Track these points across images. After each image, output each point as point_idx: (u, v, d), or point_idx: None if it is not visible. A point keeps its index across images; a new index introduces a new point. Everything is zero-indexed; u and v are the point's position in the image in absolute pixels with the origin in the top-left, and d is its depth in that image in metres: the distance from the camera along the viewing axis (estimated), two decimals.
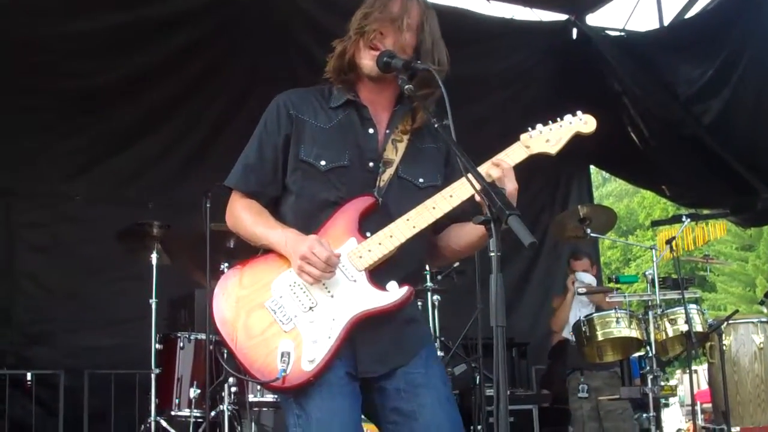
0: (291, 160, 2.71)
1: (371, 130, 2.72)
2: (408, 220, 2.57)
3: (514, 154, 2.65)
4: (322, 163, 2.65)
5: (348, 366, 2.57)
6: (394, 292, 2.55)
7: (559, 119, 2.74)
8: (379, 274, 2.57)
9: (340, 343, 2.51)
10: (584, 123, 2.74)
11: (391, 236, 2.57)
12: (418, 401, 2.61)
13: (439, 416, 2.62)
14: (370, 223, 2.61)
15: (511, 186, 2.52)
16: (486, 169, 2.55)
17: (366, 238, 2.60)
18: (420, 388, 2.63)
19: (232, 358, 2.59)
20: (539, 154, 2.68)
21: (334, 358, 2.51)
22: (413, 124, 2.75)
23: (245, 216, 2.72)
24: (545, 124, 2.72)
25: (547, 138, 2.69)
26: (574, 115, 2.74)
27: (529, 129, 2.71)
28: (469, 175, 2.29)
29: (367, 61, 2.67)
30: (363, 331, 2.57)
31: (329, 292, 2.55)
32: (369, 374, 2.62)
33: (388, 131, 2.73)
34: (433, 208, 2.58)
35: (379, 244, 2.57)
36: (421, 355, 2.70)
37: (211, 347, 5.52)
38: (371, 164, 2.68)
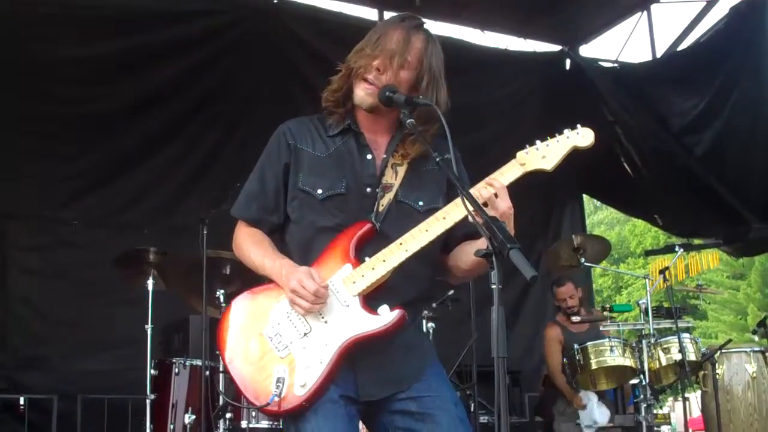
0: (290, 189, 2.75)
1: (369, 156, 2.74)
2: (401, 243, 2.59)
3: (509, 173, 2.67)
4: (319, 191, 2.69)
5: (344, 389, 2.59)
6: (385, 316, 2.56)
7: (557, 134, 2.74)
8: (377, 300, 2.59)
9: (333, 367, 2.53)
10: (581, 136, 2.74)
11: (383, 261, 2.59)
12: (435, 421, 2.63)
13: None
14: (368, 249, 2.64)
15: (504, 205, 2.55)
16: (479, 189, 2.57)
17: (362, 263, 2.62)
18: (434, 410, 2.65)
19: (232, 384, 2.64)
20: (535, 171, 2.69)
21: (328, 383, 2.54)
22: (411, 153, 2.76)
23: (246, 244, 2.78)
24: (543, 140, 2.72)
25: (544, 154, 2.70)
26: (572, 129, 2.75)
27: (527, 146, 2.72)
28: (471, 209, 2.32)
29: (360, 92, 2.70)
30: (363, 356, 2.59)
31: (323, 318, 2.58)
32: (371, 398, 2.64)
33: (385, 156, 2.75)
34: (426, 230, 2.59)
35: (372, 269, 2.59)
36: (428, 375, 2.72)
37: (206, 373, 5.52)
38: (368, 190, 2.70)
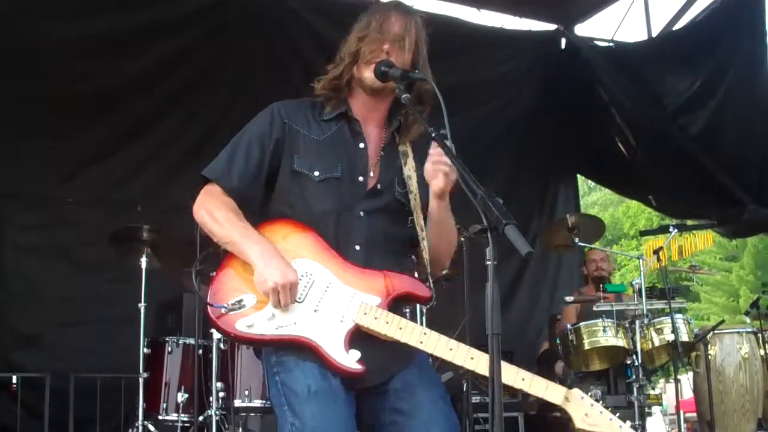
0: (284, 170, 2.72)
1: (362, 145, 2.76)
2: (425, 333, 2.56)
3: (551, 393, 2.52)
4: (316, 173, 2.68)
5: (341, 377, 2.57)
6: (349, 362, 2.53)
7: (617, 418, 2.52)
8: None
9: (279, 342, 2.55)
10: None
11: (400, 328, 2.56)
12: (415, 399, 2.65)
13: (437, 413, 2.66)
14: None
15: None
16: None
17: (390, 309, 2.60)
18: (416, 387, 2.67)
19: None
20: (565, 413, 2.54)
21: (267, 345, 2.57)
22: (406, 137, 2.79)
23: (222, 213, 2.65)
24: (606, 407, 2.54)
25: (588, 413, 2.51)
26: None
27: (586, 395, 2.55)
28: (469, 181, 2.31)
29: (370, 74, 2.70)
30: (359, 345, 2.57)
31: (317, 304, 2.58)
32: (368, 384, 2.63)
33: (383, 152, 2.78)
34: (450, 349, 2.53)
35: (386, 323, 2.57)
36: (415, 359, 2.73)
37: (199, 352, 5.53)
38: (361, 178, 2.72)
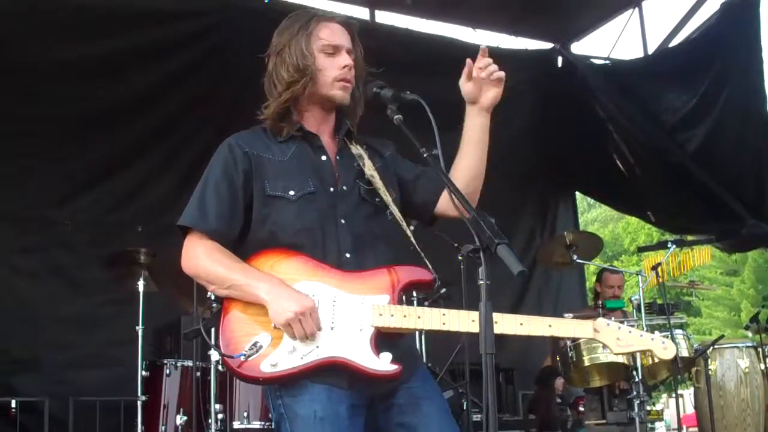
0: (258, 199, 2.66)
1: (324, 157, 2.75)
2: (444, 315, 2.55)
3: (581, 329, 2.61)
4: (291, 193, 2.65)
5: (354, 397, 2.54)
6: (384, 365, 2.50)
7: (644, 331, 2.65)
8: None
9: (307, 370, 2.48)
10: (663, 348, 2.62)
11: (419, 317, 2.54)
12: (423, 412, 2.62)
13: (444, 426, 2.64)
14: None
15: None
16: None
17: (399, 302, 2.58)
18: (421, 399, 2.63)
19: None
20: (602, 343, 2.62)
21: (296, 378, 2.49)
22: (355, 139, 2.81)
23: (216, 259, 2.59)
24: (631, 324, 2.65)
25: (619, 336, 2.59)
26: (660, 337, 2.65)
27: (612, 319, 2.62)
28: (457, 202, 2.31)
29: (339, 92, 2.73)
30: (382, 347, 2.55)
31: (333, 323, 2.53)
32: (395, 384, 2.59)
33: (339, 157, 2.77)
34: (473, 321, 2.52)
35: (404, 316, 2.54)
36: (417, 372, 2.71)
37: (197, 374, 5.51)
38: (332, 188, 2.70)
